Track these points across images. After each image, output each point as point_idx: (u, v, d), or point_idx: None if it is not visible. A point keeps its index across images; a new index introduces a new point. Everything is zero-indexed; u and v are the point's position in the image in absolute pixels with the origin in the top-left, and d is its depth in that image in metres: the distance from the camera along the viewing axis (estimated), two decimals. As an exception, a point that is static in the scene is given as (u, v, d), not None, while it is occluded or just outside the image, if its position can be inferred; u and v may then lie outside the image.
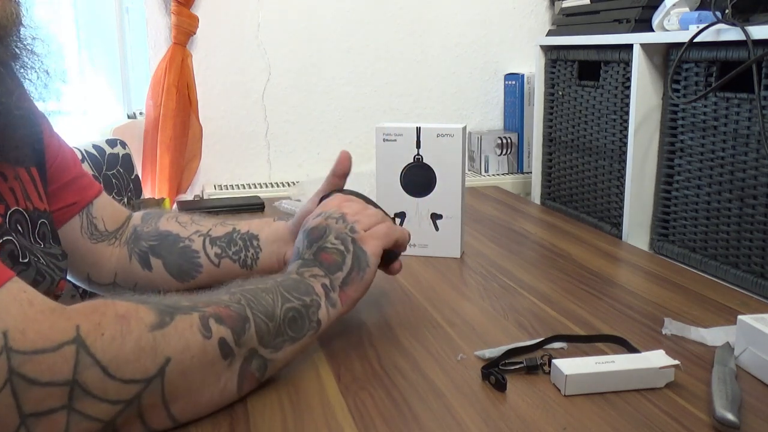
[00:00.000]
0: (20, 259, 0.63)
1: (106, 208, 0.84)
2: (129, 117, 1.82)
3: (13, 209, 0.66)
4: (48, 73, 0.66)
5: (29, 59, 0.65)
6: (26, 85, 0.66)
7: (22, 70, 0.65)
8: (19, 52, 0.64)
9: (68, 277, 0.81)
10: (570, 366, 0.63)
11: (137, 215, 0.89)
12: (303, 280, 0.66)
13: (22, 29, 0.64)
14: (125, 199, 1.37)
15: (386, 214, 0.78)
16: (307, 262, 0.69)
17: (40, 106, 0.73)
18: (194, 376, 0.54)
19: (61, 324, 0.48)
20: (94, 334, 0.48)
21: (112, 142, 1.41)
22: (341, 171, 0.83)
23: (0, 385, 0.45)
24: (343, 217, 0.72)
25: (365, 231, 0.71)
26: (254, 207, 1.41)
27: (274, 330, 0.60)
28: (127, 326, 0.50)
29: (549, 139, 1.75)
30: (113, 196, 1.14)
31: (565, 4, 1.75)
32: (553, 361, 0.64)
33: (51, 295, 0.70)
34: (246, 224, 0.88)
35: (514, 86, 1.98)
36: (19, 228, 0.66)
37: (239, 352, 0.57)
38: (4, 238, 0.62)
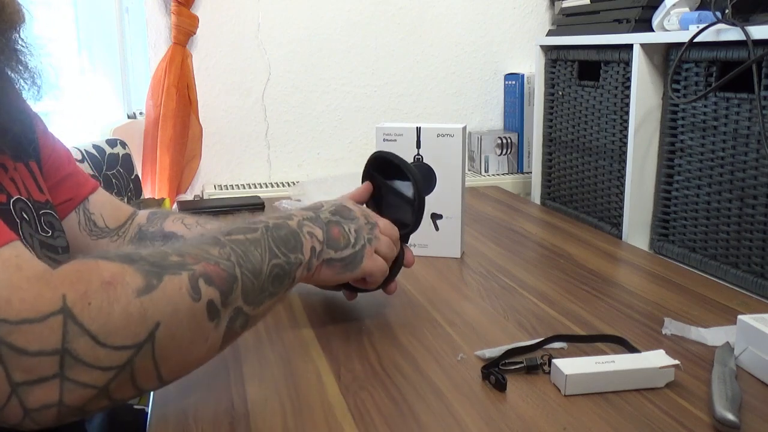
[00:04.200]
0: None
1: (105, 205, 0.85)
2: (129, 117, 1.82)
3: (15, 197, 0.66)
4: (41, 77, 0.67)
5: (25, 60, 0.65)
6: (19, 85, 0.66)
7: (16, 70, 0.65)
8: (16, 51, 0.64)
9: None
10: (570, 366, 0.63)
11: (143, 214, 0.89)
12: (298, 234, 0.67)
13: (22, 29, 0.65)
14: (125, 199, 1.37)
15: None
16: (316, 221, 0.71)
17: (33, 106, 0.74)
18: (183, 338, 0.54)
19: (47, 293, 0.47)
20: (81, 304, 0.48)
21: (112, 142, 1.41)
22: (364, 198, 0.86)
23: None
24: (375, 225, 0.77)
25: (377, 252, 0.76)
26: (254, 207, 1.41)
27: (258, 287, 0.60)
28: (114, 293, 0.50)
29: (549, 139, 1.75)
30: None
31: (565, 4, 1.75)
32: (553, 361, 0.64)
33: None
34: None
35: (514, 86, 1.98)
36: (25, 216, 0.67)
37: (225, 313, 0.57)
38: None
